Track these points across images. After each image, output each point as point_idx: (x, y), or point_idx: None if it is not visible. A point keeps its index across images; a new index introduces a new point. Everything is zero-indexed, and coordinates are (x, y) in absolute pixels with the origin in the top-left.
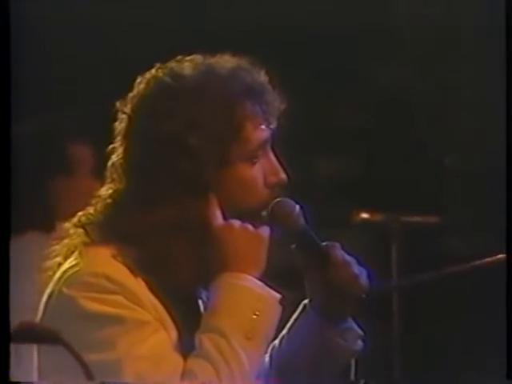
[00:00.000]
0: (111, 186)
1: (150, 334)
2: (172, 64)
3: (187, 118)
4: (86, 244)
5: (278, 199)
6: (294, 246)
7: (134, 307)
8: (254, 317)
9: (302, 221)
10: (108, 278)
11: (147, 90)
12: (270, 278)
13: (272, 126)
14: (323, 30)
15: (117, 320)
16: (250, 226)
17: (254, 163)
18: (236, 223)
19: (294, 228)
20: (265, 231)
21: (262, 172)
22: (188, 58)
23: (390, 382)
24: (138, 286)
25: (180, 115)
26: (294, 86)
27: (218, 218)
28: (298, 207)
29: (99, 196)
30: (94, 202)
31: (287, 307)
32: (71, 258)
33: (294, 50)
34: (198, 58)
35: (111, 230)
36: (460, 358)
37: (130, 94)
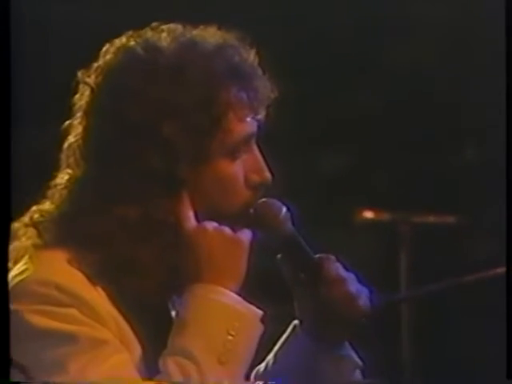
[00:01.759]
0: (68, 171)
1: (109, 355)
2: (146, 33)
3: (161, 102)
4: (37, 247)
5: (263, 200)
6: (279, 256)
7: (90, 323)
8: (230, 337)
9: (289, 226)
10: (59, 288)
11: (115, 61)
12: (251, 291)
13: (259, 117)
14: (324, 8)
15: (69, 338)
16: (227, 230)
17: (234, 159)
18: (210, 226)
19: (281, 234)
20: (245, 236)
21: (244, 169)
22: (165, 26)
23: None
24: (97, 297)
25: (152, 97)
26: (287, 71)
27: (190, 219)
28: (285, 209)
29: (55, 186)
30: (49, 193)
31: (271, 326)
32: (20, 264)
33: (291, 27)
34: (177, 27)
35: (67, 229)
36: (460, 358)
37: (95, 64)
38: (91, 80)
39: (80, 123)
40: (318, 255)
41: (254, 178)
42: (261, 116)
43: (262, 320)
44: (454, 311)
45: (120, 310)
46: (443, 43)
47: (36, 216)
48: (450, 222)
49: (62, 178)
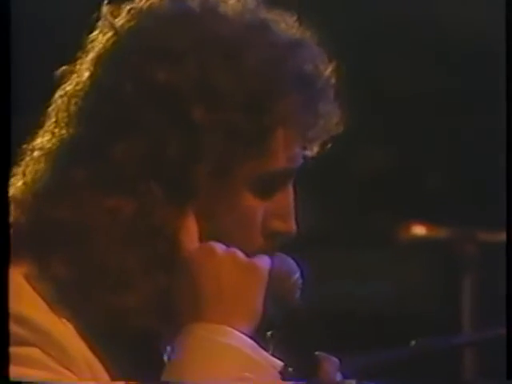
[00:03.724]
0: (53, 131)
1: None
2: None
3: (203, 78)
4: None
5: (278, 254)
6: (270, 333)
7: (56, 367)
8: None
9: (295, 296)
10: (21, 321)
11: (157, 10)
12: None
13: (307, 153)
14: None
15: None
16: (240, 253)
17: (263, 197)
18: (219, 246)
19: (284, 303)
20: (263, 262)
21: (266, 210)
22: None
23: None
24: (63, 329)
25: (194, 69)
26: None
27: (193, 236)
28: (298, 274)
29: (31, 150)
30: (25, 160)
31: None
32: None
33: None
34: (250, 1)
35: (31, 224)
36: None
37: (128, 6)
38: (119, 23)
39: (87, 69)
40: (318, 352)
41: (275, 225)
42: (310, 152)
43: (282, 372)
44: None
45: (91, 347)
46: None
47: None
48: None
49: (42, 138)
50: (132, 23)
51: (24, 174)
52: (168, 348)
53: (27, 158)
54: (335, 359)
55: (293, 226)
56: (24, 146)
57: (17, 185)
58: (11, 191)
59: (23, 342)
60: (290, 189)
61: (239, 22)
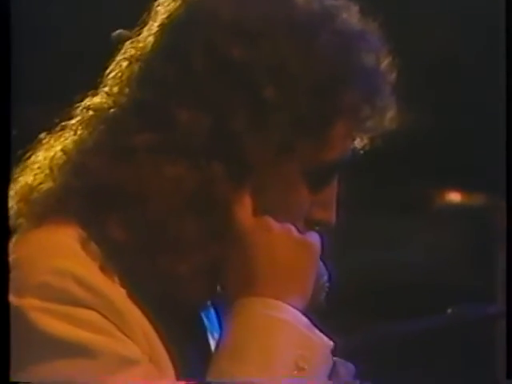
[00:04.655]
0: (105, 94)
1: (138, 379)
2: None
3: (272, 58)
4: (32, 219)
5: None
6: None
7: (115, 332)
8: (295, 372)
9: (322, 297)
10: (78, 281)
11: None
12: None
13: (358, 146)
14: None
15: (87, 351)
16: (294, 229)
17: (315, 189)
18: (274, 222)
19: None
20: (315, 239)
21: (312, 199)
22: None
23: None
24: (120, 294)
25: (266, 47)
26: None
27: (249, 210)
28: (326, 277)
29: (86, 108)
30: (76, 119)
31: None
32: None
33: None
34: None
35: (85, 185)
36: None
37: None
38: None
39: (154, 35)
40: (335, 358)
41: (318, 214)
42: (359, 144)
43: (333, 352)
44: None
45: (145, 313)
46: None
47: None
48: None
49: (98, 99)
50: None
51: (75, 133)
52: (217, 320)
53: (79, 118)
54: (351, 365)
55: (333, 217)
56: (76, 104)
57: (65, 142)
58: (59, 146)
59: (81, 304)
60: (336, 180)
61: (308, 8)
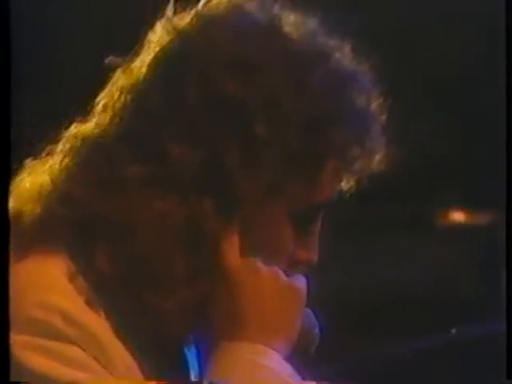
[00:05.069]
0: (103, 123)
1: None
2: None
3: (267, 93)
4: (21, 249)
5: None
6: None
7: (96, 368)
8: None
9: (313, 348)
10: (64, 315)
11: (223, 18)
12: None
13: (345, 187)
14: None
15: None
16: (281, 273)
17: (298, 230)
18: (261, 264)
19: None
20: (301, 282)
21: (295, 239)
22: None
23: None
24: (103, 328)
25: (262, 83)
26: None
27: (236, 250)
28: (317, 329)
29: (75, 137)
30: (64, 147)
31: None
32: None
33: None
34: (310, 26)
35: (74, 216)
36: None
37: (194, 11)
38: (182, 26)
39: (146, 68)
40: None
41: (300, 254)
42: (345, 186)
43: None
44: None
45: (128, 347)
46: None
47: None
48: None
49: (86, 128)
50: (199, 30)
51: (62, 160)
52: (200, 358)
53: (66, 145)
54: None
55: (315, 258)
56: (63, 132)
57: (53, 168)
58: (43, 177)
59: (63, 338)
60: (319, 221)
61: (303, 44)
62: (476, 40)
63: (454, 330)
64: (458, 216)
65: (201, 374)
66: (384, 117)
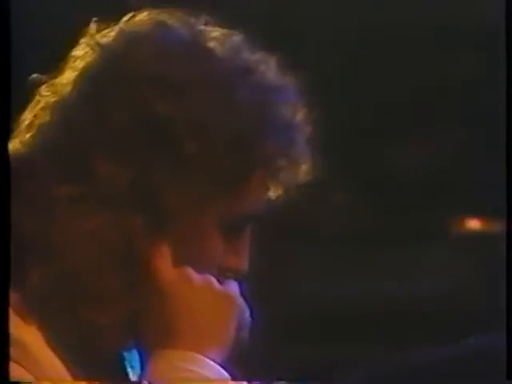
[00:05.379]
0: (28, 141)
1: None
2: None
3: (194, 111)
4: None
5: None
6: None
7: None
8: None
9: (243, 335)
10: None
11: (145, 34)
12: None
13: (272, 196)
14: None
15: None
16: (214, 280)
17: (227, 239)
18: (194, 273)
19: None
20: (234, 289)
21: (225, 247)
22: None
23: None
24: (36, 339)
25: (190, 101)
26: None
27: (168, 261)
28: (248, 313)
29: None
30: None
31: None
32: None
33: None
34: (235, 40)
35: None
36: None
37: (115, 27)
38: (106, 42)
39: (71, 84)
40: None
41: (230, 262)
42: (273, 194)
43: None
44: None
45: (62, 358)
46: None
47: None
48: None
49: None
50: (123, 46)
51: None
52: (137, 368)
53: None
54: None
55: (246, 265)
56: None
57: None
58: None
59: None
60: (249, 228)
61: (227, 60)
62: (476, 43)
63: (462, 342)
64: (459, 227)
65: (141, 374)
66: (309, 127)
